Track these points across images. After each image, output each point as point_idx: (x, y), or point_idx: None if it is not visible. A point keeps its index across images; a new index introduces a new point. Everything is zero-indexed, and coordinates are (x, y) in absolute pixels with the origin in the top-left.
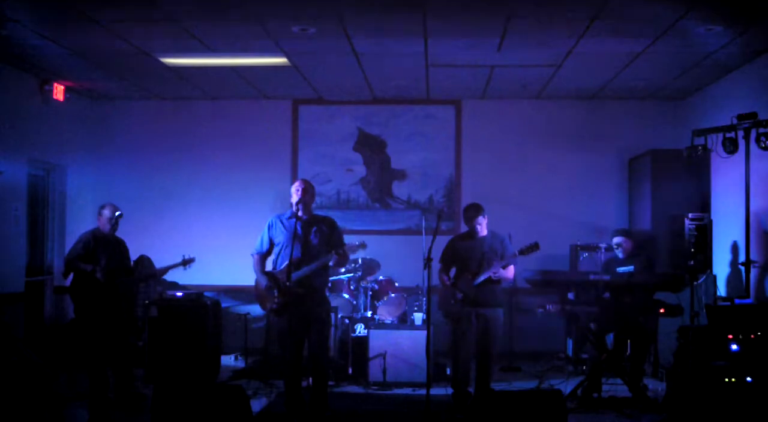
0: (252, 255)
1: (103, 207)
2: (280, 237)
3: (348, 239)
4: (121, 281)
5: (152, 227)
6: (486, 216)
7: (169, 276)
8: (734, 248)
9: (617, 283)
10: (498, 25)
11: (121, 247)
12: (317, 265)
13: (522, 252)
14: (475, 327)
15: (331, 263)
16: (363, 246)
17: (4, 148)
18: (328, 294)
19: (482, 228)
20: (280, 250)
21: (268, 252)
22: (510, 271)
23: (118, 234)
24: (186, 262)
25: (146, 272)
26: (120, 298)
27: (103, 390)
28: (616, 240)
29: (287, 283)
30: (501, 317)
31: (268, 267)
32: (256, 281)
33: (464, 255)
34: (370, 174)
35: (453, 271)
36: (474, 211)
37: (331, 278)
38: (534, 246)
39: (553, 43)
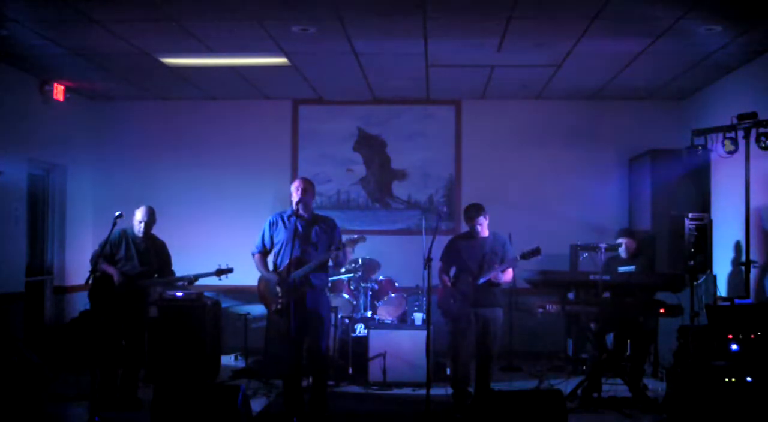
0: (252, 254)
1: (138, 209)
2: (281, 235)
3: (347, 236)
4: (144, 285)
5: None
6: (487, 216)
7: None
8: (735, 248)
9: (617, 283)
10: (498, 25)
11: (152, 250)
12: (315, 263)
13: (523, 256)
14: (475, 327)
15: (330, 263)
16: (362, 239)
17: (4, 148)
18: (328, 293)
19: (483, 228)
20: (281, 249)
21: (269, 251)
22: (508, 275)
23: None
24: (221, 272)
25: (171, 280)
26: (141, 302)
27: (111, 390)
28: (620, 240)
29: (288, 282)
30: (500, 317)
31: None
32: (259, 280)
33: (465, 256)
34: (370, 174)
35: (453, 271)
36: (475, 211)
37: (331, 278)
38: (536, 251)
39: (553, 43)
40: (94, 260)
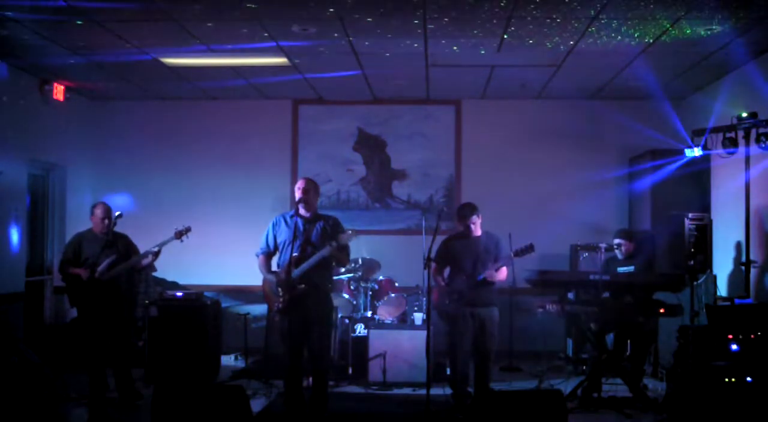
0: (257, 255)
1: (94, 206)
2: (283, 235)
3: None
4: (110, 277)
5: (151, 227)
6: (480, 215)
7: (169, 276)
8: (735, 248)
9: (617, 283)
10: (498, 25)
11: (120, 245)
12: (315, 260)
13: (516, 254)
14: (472, 327)
15: (326, 254)
16: (354, 235)
17: (4, 148)
18: (330, 293)
19: (476, 227)
20: (282, 249)
21: (273, 252)
22: (503, 273)
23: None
24: (180, 234)
25: (134, 260)
26: (119, 298)
27: (102, 391)
28: (617, 240)
29: (289, 281)
30: (497, 316)
31: (273, 266)
32: (264, 281)
33: (459, 255)
34: (370, 174)
35: (448, 271)
36: (468, 210)
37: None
38: (529, 248)
39: (553, 43)
40: (63, 266)
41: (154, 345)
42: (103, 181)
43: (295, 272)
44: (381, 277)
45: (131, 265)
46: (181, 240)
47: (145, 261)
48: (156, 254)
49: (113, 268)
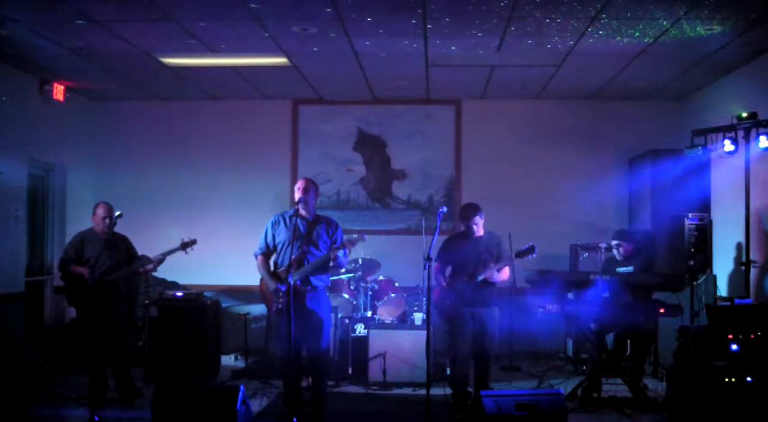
0: (255, 255)
1: (96, 206)
2: (282, 235)
3: (347, 236)
4: (112, 279)
5: (152, 227)
6: (483, 216)
7: (169, 276)
8: (735, 248)
9: (617, 283)
10: (498, 25)
11: (121, 246)
12: (315, 264)
13: (518, 255)
14: (472, 327)
15: (330, 263)
16: (361, 238)
17: (4, 148)
18: (328, 293)
19: (479, 228)
20: (282, 249)
21: (272, 252)
22: (505, 273)
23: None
24: (186, 245)
25: (138, 264)
26: (118, 298)
27: (102, 391)
28: (614, 242)
29: (288, 282)
30: (497, 316)
31: (271, 266)
32: (262, 281)
33: (460, 255)
34: (370, 174)
35: (449, 271)
36: (471, 210)
37: (331, 278)
38: (530, 250)
39: (553, 43)
40: (64, 265)
41: (154, 345)
42: (103, 181)
43: (296, 274)
44: (381, 277)
45: (133, 270)
46: (186, 252)
47: (148, 267)
48: (159, 262)
49: (115, 272)
